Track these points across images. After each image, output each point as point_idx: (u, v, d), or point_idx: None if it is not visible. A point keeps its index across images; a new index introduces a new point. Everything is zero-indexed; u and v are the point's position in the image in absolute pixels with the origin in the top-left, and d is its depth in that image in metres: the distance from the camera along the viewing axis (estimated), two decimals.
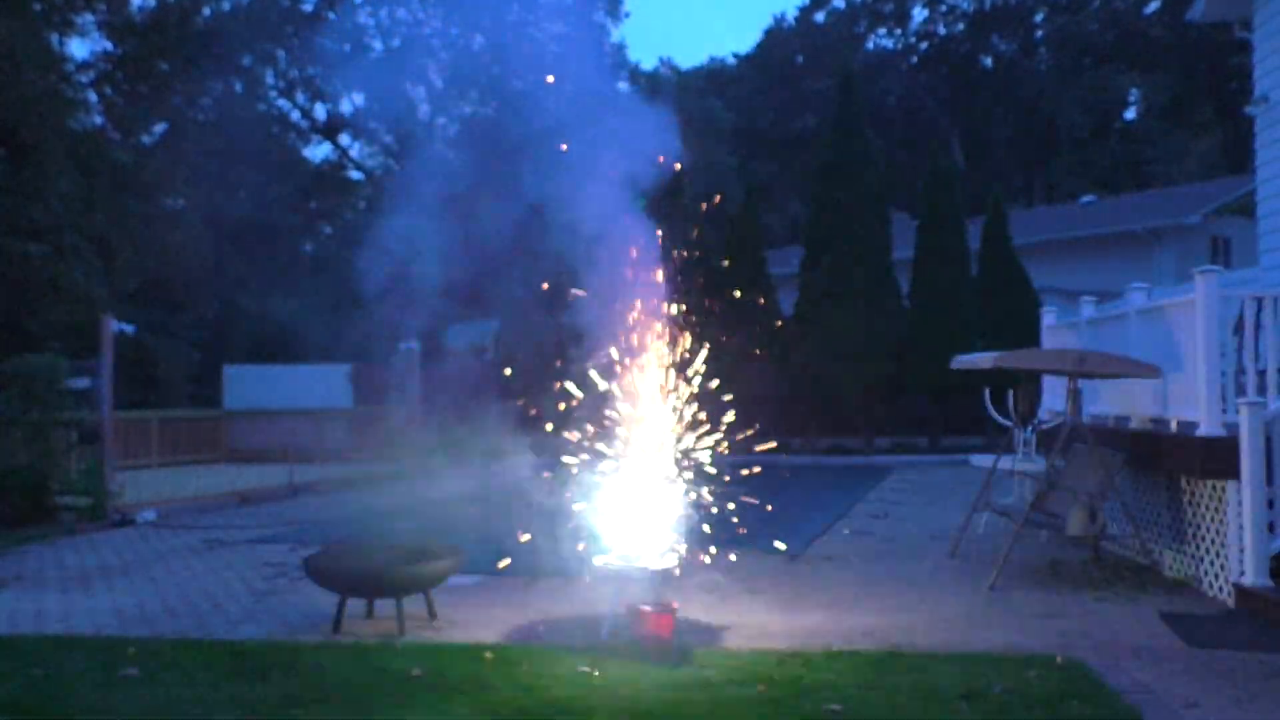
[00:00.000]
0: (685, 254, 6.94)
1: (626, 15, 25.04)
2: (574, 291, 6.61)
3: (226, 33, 26.31)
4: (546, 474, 6.87)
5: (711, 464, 6.87)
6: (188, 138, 24.65)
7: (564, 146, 6.66)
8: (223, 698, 5.21)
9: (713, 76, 49.26)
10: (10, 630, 6.80)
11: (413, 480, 17.94)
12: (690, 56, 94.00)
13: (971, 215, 24.21)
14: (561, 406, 6.76)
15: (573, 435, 6.74)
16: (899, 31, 52.03)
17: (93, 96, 22.25)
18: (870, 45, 52.57)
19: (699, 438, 6.85)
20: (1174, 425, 8.00)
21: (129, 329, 13.65)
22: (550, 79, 7.21)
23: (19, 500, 11.65)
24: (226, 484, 15.71)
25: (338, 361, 21.59)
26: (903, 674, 5.49)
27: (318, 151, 42.56)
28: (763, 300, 21.83)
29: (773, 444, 8.86)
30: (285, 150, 32.92)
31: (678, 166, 6.63)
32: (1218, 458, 7.19)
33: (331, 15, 31.04)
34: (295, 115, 36.12)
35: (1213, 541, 7.52)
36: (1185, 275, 10.10)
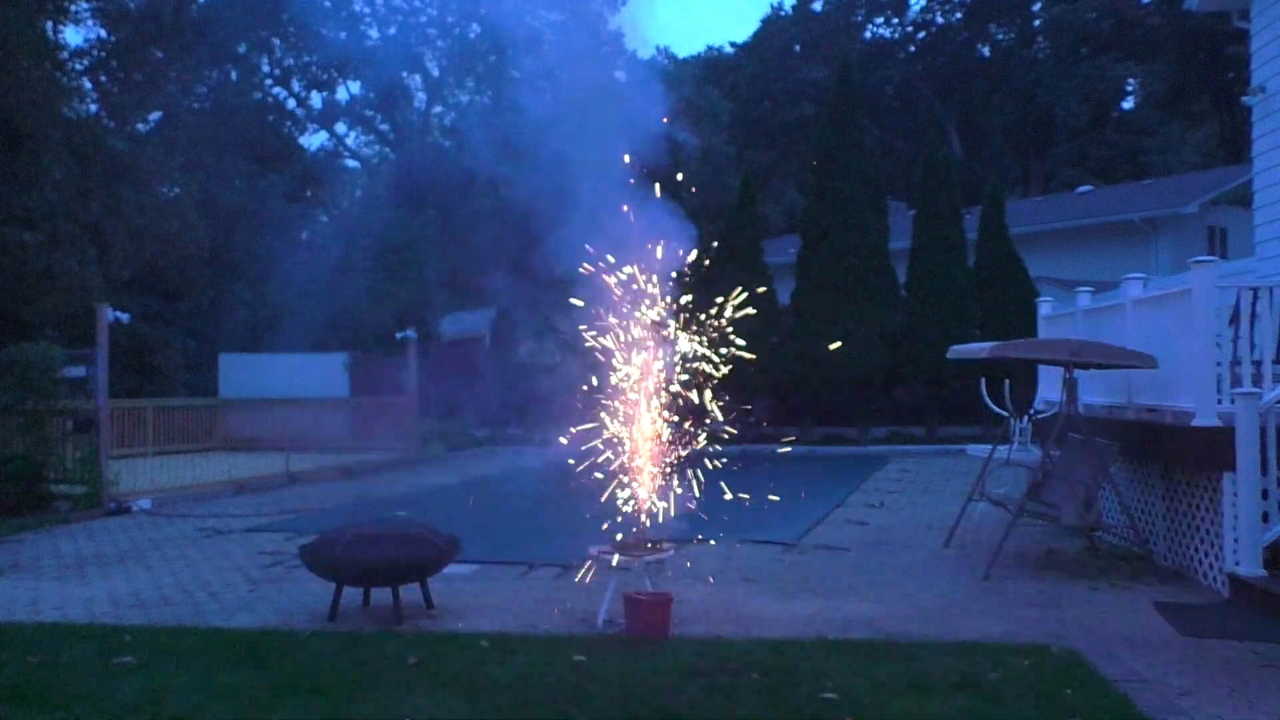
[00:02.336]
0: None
1: (624, 3, 24.94)
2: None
3: (221, 20, 26.18)
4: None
5: (709, 454, 6.87)
6: (183, 126, 24.55)
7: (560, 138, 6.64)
8: (218, 686, 5.22)
9: (710, 65, 49.14)
10: (6, 618, 6.80)
11: (409, 468, 17.97)
12: (688, 45, 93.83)
13: (968, 205, 24.21)
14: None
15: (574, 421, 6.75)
16: (896, 20, 51.96)
17: (87, 84, 22.13)
18: (868, 34, 52.50)
19: (696, 427, 6.85)
20: (1169, 415, 8.01)
21: (124, 317, 13.58)
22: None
23: (14, 489, 11.66)
24: (222, 473, 15.70)
25: (334, 350, 21.59)
26: (897, 663, 5.51)
27: (314, 140, 42.46)
28: (760, 290, 21.81)
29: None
30: (281, 139, 32.77)
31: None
32: (1213, 448, 7.20)
33: (327, 2, 30.92)
34: (291, 103, 35.99)
35: (1207, 531, 7.54)
36: (1182, 265, 10.10)
